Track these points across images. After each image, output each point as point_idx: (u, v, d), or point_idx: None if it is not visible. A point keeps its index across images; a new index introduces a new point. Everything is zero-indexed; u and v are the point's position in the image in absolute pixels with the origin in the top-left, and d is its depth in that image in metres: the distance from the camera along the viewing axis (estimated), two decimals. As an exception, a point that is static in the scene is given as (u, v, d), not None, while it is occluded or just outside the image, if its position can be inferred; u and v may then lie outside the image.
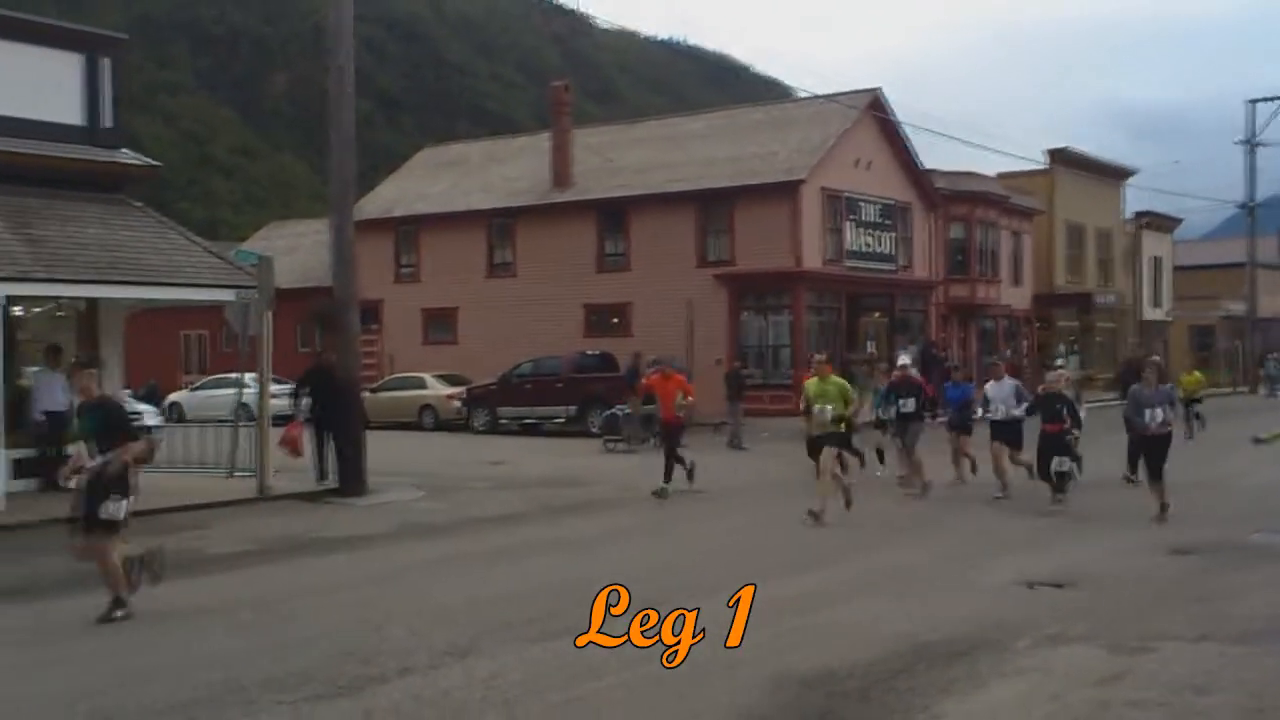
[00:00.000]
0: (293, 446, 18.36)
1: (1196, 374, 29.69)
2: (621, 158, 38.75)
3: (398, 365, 39.36)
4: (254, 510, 16.47)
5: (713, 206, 35.75)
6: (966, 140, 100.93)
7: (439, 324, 41.13)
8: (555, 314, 37.19)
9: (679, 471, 17.60)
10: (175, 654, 8.41)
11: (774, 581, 10.87)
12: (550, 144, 39.96)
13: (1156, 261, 58.84)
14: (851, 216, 36.45)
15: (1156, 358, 30.20)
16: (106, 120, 18.14)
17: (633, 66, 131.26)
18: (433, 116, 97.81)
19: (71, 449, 10.19)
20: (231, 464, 19.44)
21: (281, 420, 19.59)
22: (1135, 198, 58.82)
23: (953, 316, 42.14)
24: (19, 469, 16.64)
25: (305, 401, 19.16)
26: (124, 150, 18.55)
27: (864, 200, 36.85)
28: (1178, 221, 61.15)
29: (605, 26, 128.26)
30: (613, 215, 37.59)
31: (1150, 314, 57.40)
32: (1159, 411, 14.38)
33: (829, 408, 14.51)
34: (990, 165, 51.70)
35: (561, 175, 39.02)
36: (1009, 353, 43.93)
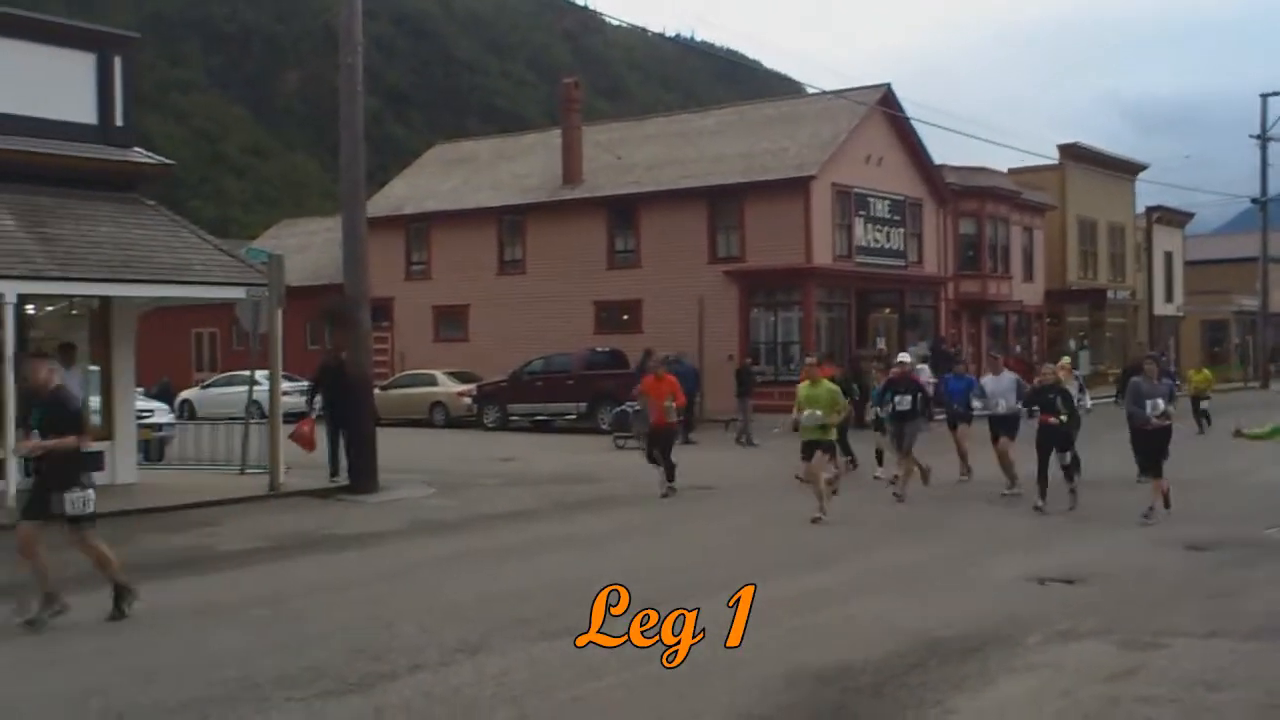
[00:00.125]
0: (304, 442, 18.44)
1: (1205, 372, 29.59)
2: (632, 154, 38.74)
3: (409, 362, 39.43)
4: (265, 507, 16.52)
5: (723, 203, 35.73)
6: (977, 136, 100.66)
7: (450, 321, 41.19)
8: (566, 311, 37.21)
9: (678, 471, 17.34)
10: (187, 651, 8.45)
11: (784, 579, 10.89)
12: (560, 141, 39.97)
13: (1168, 257, 58.67)
14: (862, 212, 36.41)
15: (1161, 356, 30.10)
16: (119, 119, 18.18)
17: (643, 63, 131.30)
18: (443, 114, 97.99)
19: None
20: (243, 461, 19.52)
21: (293, 417, 19.66)
22: (1147, 193, 58.91)
23: (963, 312, 42.07)
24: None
25: (319, 399, 19.24)
26: (136, 149, 18.59)
27: (874, 196, 36.80)
28: (1189, 216, 60.97)
29: (615, 23, 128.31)
30: (623, 212, 37.59)
31: (1162, 309, 57.23)
32: (1159, 402, 14.15)
33: (818, 412, 14.34)
34: (1001, 161, 51.48)
35: (572, 172, 39.03)
36: (1019, 349, 43.87)
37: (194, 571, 11.75)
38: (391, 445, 19.95)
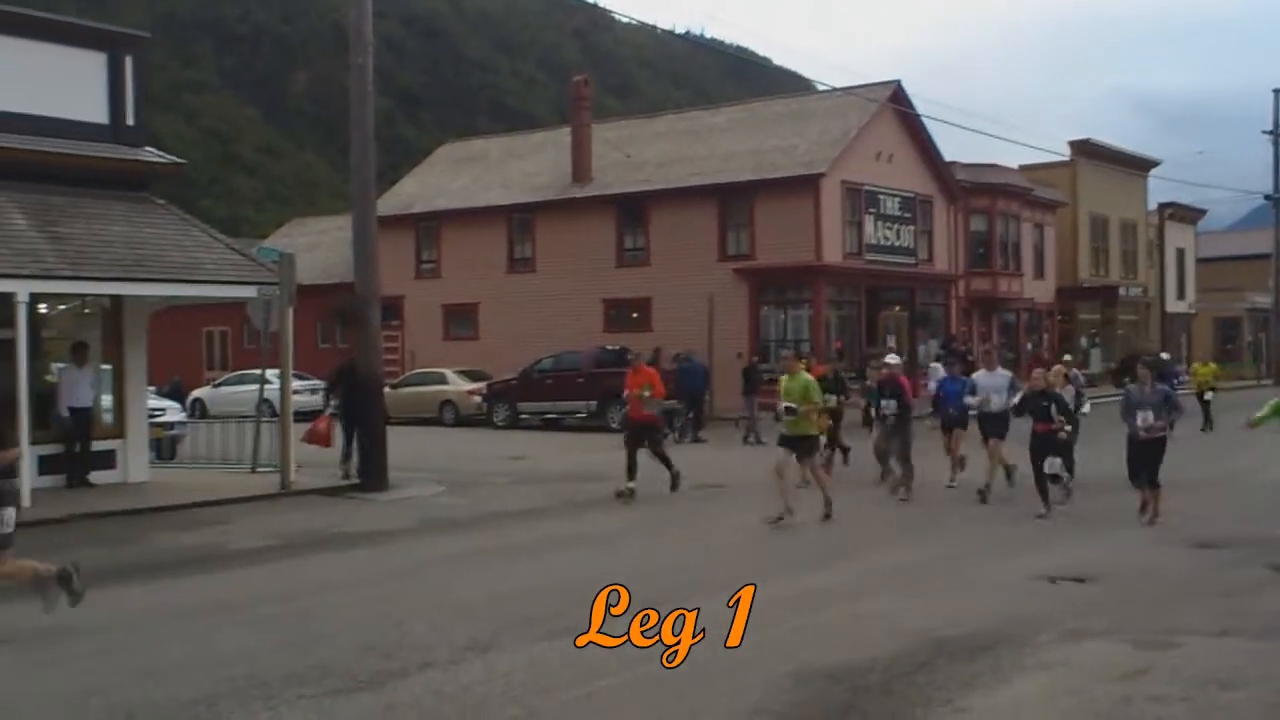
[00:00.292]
0: (321, 439, 18.52)
1: (1211, 365, 29.31)
2: (641, 152, 38.73)
3: (419, 361, 39.49)
4: (276, 505, 16.56)
5: (733, 200, 35.71)
6: (988, 133, 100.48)
7: (460, 319, 41.23)
8: (575, 309, 37.23)
9: (660, 472, 17.03)
10: (197, 649, 8.46)
11: (790, 578, 10.90)
12: (570, 139, 39.98)
13: (1180, 253, 58.48)
14: (872, 210, 36.34)
15: (1165, 355, 29.90)
16: (130, 118, 18.23)
17: (653, 61, 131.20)
18: (453, 113, 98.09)
19: None
20: (254, 459, 19.56)
21: (304, 416, 19.71)
22: (1159, 189, 58.71)
23: (974, 310, 41.99)
24: (45, 465, 16.78)
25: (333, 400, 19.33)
26: (148, 148, 18.64)
27: (884, 193, 36.73)
28: (1202, 213, 60.74)
29: (625, 21, 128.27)
30: (632, 210, 37.58)
31: (1174, 306, 57.05)
32: (1149, 414, 13.50)
33: (788, 404, 14.21)
34: (1012, 157, 51.41)
35: (581, 170, 39.03)
36: (1030, 347, 43.77)
37: (205, 570, 11.78)
38: (401, 444, 19.99)
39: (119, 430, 18.20)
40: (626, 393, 17.66)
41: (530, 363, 32.81)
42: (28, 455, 15.44)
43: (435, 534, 14.19)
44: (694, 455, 23.74)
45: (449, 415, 33.58)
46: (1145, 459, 13.61)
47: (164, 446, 21.43)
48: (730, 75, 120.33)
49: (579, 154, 39.21)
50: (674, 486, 16.90)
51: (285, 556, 12.68)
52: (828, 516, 14.13)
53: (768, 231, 34.69)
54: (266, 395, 22.03)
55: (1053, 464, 14.30)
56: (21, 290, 15.09)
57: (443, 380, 34.71)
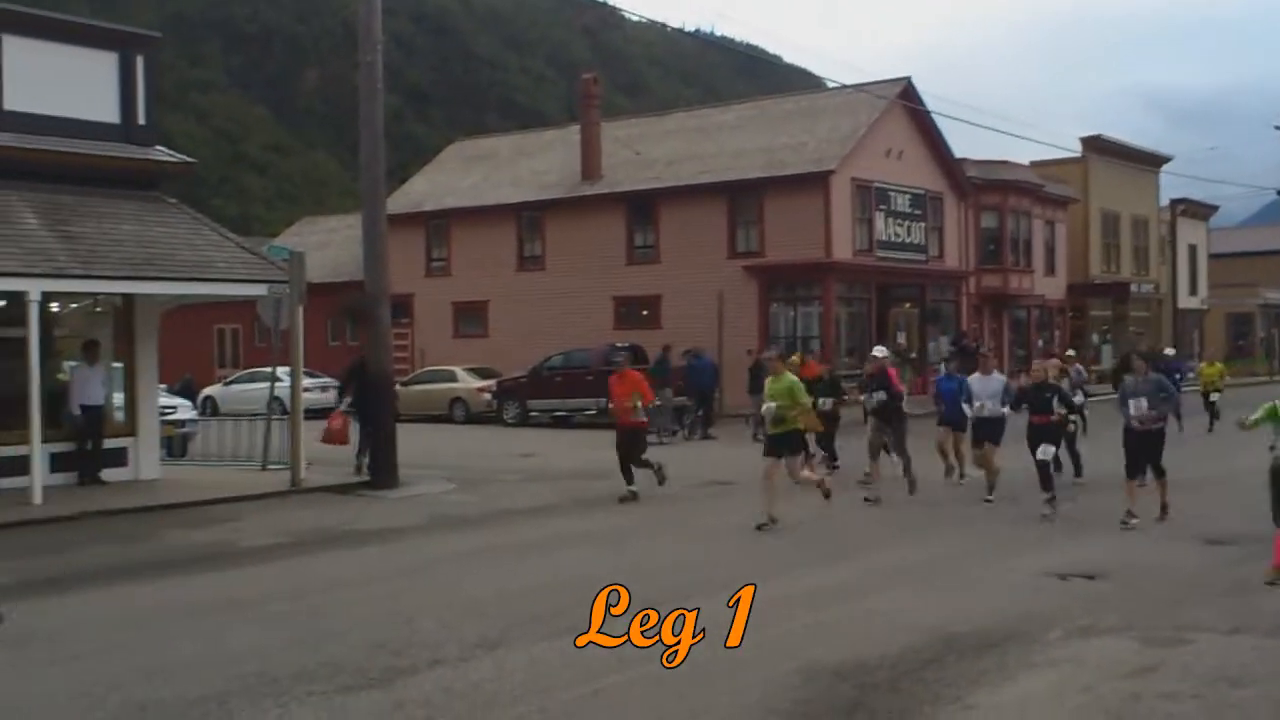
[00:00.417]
0: (338, 438, 18.59)
1: (1218, 365, 28.82)
2: (651, 150, 38.73)
3: (429, 359, 39.54)
4: (286, 503, 16.60)
5: (742, 198, 35.69)
6: (999, 129, 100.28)
7: (469, 317, 41.28)
8: (585, 306, 37.25)
9: (664, 473, 16.72)
10: (207, 646, 8.49)
11: (797, 575, 10.91)
12: (580, 137, 39.98)
13: (1193, 250, 58.28)
14: (882, 206, 36.29)
15: (1169, 350, 29.65)
16: (141, 118, 18.29)
17: (662, 59, 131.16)
18: (462, 110, 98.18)
19: None
20: (264, 457, 19.61)
21: (314, 414, 19.75)
22: (1171, 185, 58.45)
23: (985, 307, 41.90)
24: (56, 463, 16.84)
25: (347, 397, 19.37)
26: (158, 147, 18.70)
27: (895, 190, 36.68)
28: (1214, 209, 60.53)
29: (635, 19, 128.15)
30: (642, 207, 37.59)
31: (1186, 302, 56.86)
32: (1143, 402, 13.21)
33: (773, 405, 13.82)
34: (1023, 154, 51.22)
35: (591, 168, 39.04)
36: (1041, 343, 43.67)
37: (216, 567, 11.82)
38: (412, 441, 20.01)
39: (130, 428, 18.27)
40: (612, 404, 16.98)
41: (540, 360, 32.83)
42: (40, 454, 15.54)
43: (445, 531, 14.21)
44: (704, 452, 23.78)
45: (459, 413, 33.63)
46: (1144, 451, 13.35)
47: (175, 444, 21.50)
48: (740, 73, 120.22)
49: (588, 152, 39.23)
50: (660, 481, 16.52)
51: (296, 554, 12.71)
52: (826, 495, 14.33)
53: (778, 229, 34.67)
54: (277, 393, 22.09)
55: (1046, 450, 14.07)
56: (33, 289, 15.15)
57: (453, 378, 34.76)
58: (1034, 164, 44.82)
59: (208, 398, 35.87)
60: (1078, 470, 17.28)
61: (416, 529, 14.38)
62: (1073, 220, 47.73)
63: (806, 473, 14.70)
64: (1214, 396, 26.62)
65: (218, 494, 16.74)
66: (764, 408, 14.11)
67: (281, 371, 21.17)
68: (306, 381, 20.59)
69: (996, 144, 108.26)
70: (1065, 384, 16.44)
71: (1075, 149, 48.17)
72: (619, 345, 32.69)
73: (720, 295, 33.79)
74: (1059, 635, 8.49)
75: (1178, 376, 24.94)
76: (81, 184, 17.15)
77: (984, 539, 13.00)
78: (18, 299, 15.37)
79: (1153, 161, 53.93)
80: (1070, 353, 26.48)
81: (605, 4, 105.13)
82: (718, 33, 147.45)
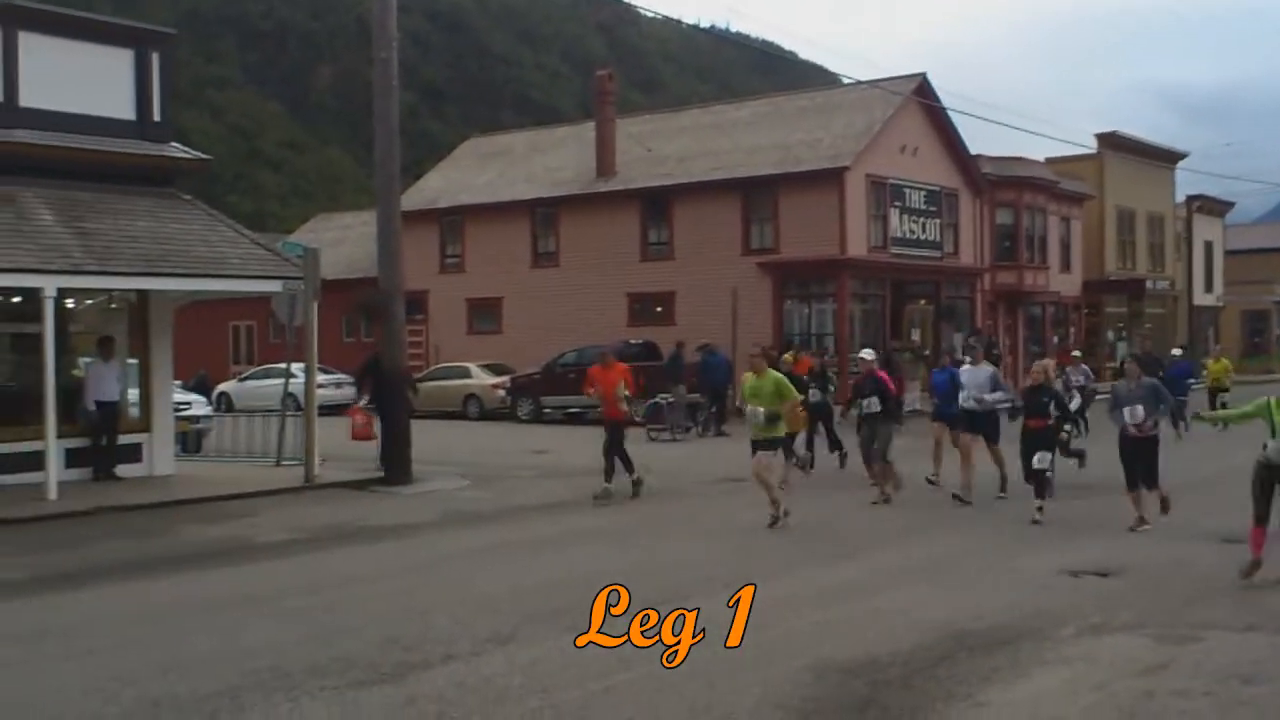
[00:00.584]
0: (363, 433, 18.66)
1: (1224, 361, 28.39)
2: (665, 146, 38.70)
3: (443, 355, 39.60)
4: (301, 499, 16.67)
5: (757, 194, 35.63)
6: (1014, 125, 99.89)
7: (484, 314, 41.33)
8: (599, 303, 37.24)
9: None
10: (222, 641, 8.53)
11: (806, 572, 10.91)
12: (594, 134, 39.98)
13: (1208, 246, 58.00)
14: (897, 203, 36.21)
15: (1177, 350, 29.32)
16: (156, 114, 18.37)
17: (678, 55, 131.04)
18: (477, 107, 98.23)
19: None
20: (279, 453, 19.68)
21: (328, 410, 19.81)
22: (1186, 181, 58.03)
23: (1000, 303, 41.77)
24: (72, 458, 16.93)
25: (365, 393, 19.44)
26: (173, 144, 18.78)
27: (910, 186, 36.58)
28: (1230, 205, 60.22)
29: (650, 16, 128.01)
30: (656, 204, 37.56)
31: (1202, 299, 56.60)
32: (1139, 409, 12.76)
33: (760, 410, 13.23)
34: (1039, 150, 51.05)
35: (605, 165, 39.03)
36: (1056, 340, 43.53)
37: (230, 562, 11.87)
38: (426, 437, 20.05)
39: (145, 424, 18.36)
40: (592, 390, 16.78)
41: (554, 357, 32.86)
42: (55, 449, 15.62)
43: (459, 527, 14.24)
44: (717, 449, 23.75)
45: (473, 409, 33.70)
46: (1139, 458, 12.90)
47: (190, 440, 21.60)
48: (755, 69, 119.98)
49: (603, 148, 39.22)
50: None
51: (310, 549, 12.76)
52: (775, 520, 13.32)
53: (792, 225, 34.60)
54: (291, 389, 22.17)
55: (1042, 458, 13.72)
56: (49, 285, 15.23)
57: (467, 374, 34.83)
58: (1049, 160, 44.66)
59: (223, 394, 36.01)
60: (1079, 460, 17.07)
61: (430, 525, 14.41)
62: (1088, 217, 47.56)
63: (774, 477, 13.79)
64: (1223, 398, 26.07)
65: (232, 490, 16.82)
66: (748, 410, 13.43)
67: (296, 368, 21.25)
68: (321, 378, 20.66)
69: (1011, 140, 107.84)
70: (1059, 385, 16.13)
71: (1090, 145, 47.98)
72: (632, 341, 32.86)
73: (734, 292, 33.76)
74: (1071, 632, 8.47)
75: (1190, 381, 24.56)
76: (97, 180, 17.23)
77: (993, 537, 12.93)
78: (33, 295, 15.46)
79: (1168, 158, 53.69)
80: (1076, 353, 26.31)
81: (620, 0, 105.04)
82: (733, 29, 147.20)
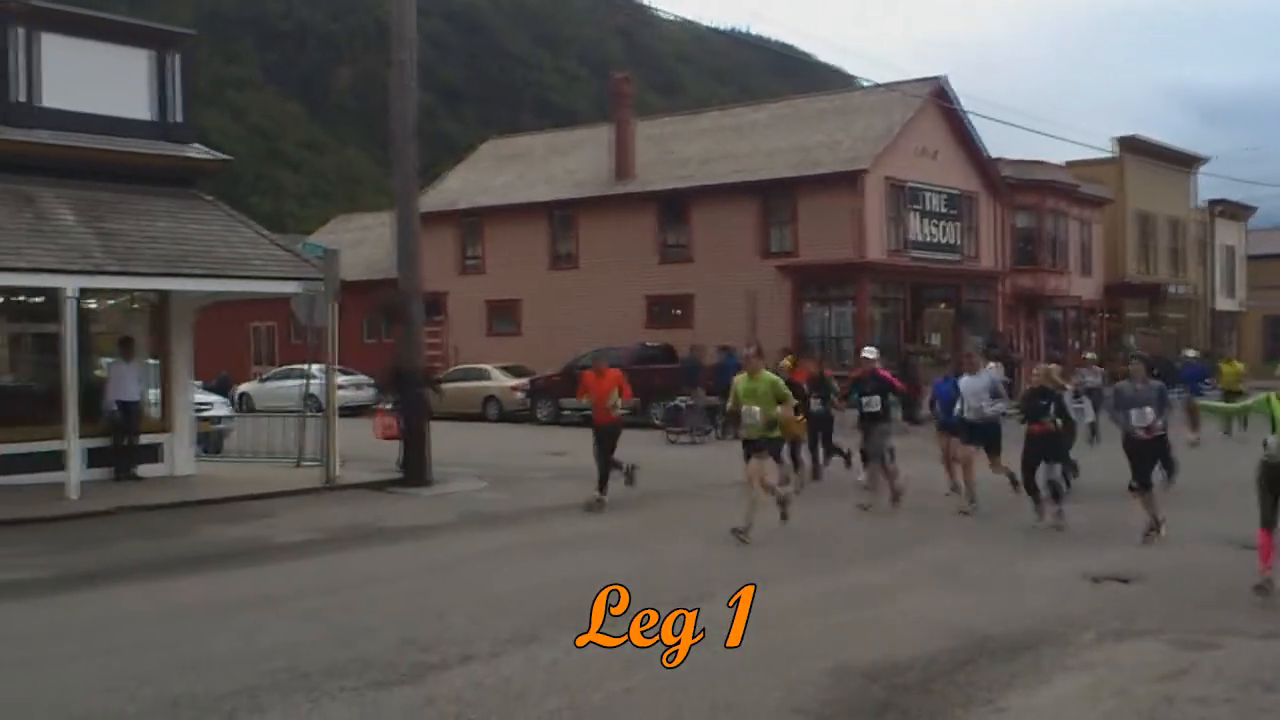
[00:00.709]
0: (392, 433, 18.72)
1: (1236, 364, 27.82)
2: (684, 149, 38.69)
3: (462, 357, 39.66)
4: (320, 499, 16.71)
5: (775, 197, 35.58)
6: (1034, 129, 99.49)
7: (502, 315, 41.38)
8: (617, 305, 37.25)
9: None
10: (241, 641, 8.56)
11: (826, 575, 10.88)
12: (612, 136, 40.00)
13: (1230, 251, 57.67)
14: (916, 206, 36.10)
15: (1190, 352, 29.05)
16: (177, 115, 18.45)
17: (695, 57, 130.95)
18: (495, 108, 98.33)
19: None
20: (299, 454, 19.73)
21: (349, 411, 19.85)
22: (1208, 185, 57.76)
23: (1020, 307, 41.61)
24: (92, 458, 17.00)
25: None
26: (194, 145, 18.85)
27: (929, 190, 36.48)
28: (1252, 210, 59.85)
29: (668, 18, 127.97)
30: (675, 206, 37.55)
31: (1223, 304, 56.28)
32: (1148, 411, 12.34)
33: (756, 410, 12.90)
34: (1058, 154, 50.82)
35: (624, 167, 39.05)
36: (1076, 344, 43.34)
37: (250, 563, 11.91)
38: (445, 439, 20.08)
39: (166, 424, 18.43)
40: (584, 395, 16.58)
41: (572, 358, 32.86)
42: (76, 449, 15.70)
43: (477, 529, 14.26)
44: (735, 451, 23.63)
45: (492, 411, 33.73)
46: (1151, 456, 12.61)
47: (210, 440, 21.67)
48: (774, 71, 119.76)
49: (621, 151, 39.23)
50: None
51: (329, 550, 12.79)
52: (739, 533, 12.61)
53: (810, 228, 34.53)
54: (312, 390, 22.22)
55: (1052, 470, 13.39)
56: (70, 285, 15.30)
57: (486, 376, 34.85)
58: (1069, 164, 44.47)
59: (243, 394, 36.15)
60: (1071, 472, 16.62)
61: (448, 526, 14.43)
62: (1108, 221, 47.32)
63: (768, 484, 13.53)
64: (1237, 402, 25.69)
65: (252, 490, 16.86)
66: (743, 411, 13.08)
67: (316, 369, 21.29)
68: (341, 379, 20.70)
69: (1031, 144, 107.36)
70: (1070, 387, 15.83)
71: (1110, 149, 47.77)
72: (650, 344, 32.86)
73: (753, 295, 33.71)
74: (1092, 638, 8.43)
75: (1205, 383, 24.35)
76: (118, 181, 17.31)
77: (1012, 542, 12.81)
78: (55, 295, 15.54)
79: (1188, 162, 53.41)
80: (1090, 355, 26.11)
81: (638, 3, 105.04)
82: (751, 31, 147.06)
